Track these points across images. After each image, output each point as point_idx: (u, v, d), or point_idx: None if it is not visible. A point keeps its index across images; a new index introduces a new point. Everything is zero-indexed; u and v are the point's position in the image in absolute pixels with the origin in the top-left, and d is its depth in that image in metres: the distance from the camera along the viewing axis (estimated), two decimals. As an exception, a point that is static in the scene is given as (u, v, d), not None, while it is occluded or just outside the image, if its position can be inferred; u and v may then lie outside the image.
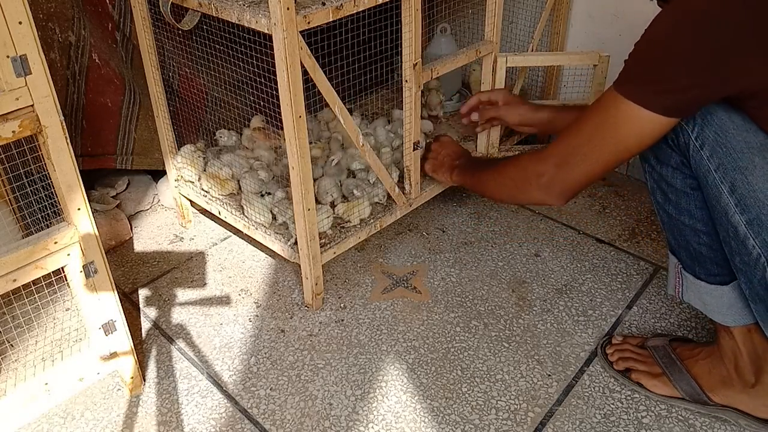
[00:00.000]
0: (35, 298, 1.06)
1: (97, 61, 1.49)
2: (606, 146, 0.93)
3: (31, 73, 0.85)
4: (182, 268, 1.50)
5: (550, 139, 1.90)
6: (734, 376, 1.06)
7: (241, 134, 1.58)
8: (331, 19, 1.10)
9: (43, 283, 1.00)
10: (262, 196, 1.35)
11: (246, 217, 1.38)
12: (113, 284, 1.04)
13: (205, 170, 1.46)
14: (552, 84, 1.79)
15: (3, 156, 0.96)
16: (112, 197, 1.62)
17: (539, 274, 1.43)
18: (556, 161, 1.00)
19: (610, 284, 1.39)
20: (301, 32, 1.05)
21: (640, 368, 1.15)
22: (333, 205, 1.36)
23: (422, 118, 1.52)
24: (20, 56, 0.83)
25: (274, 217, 1.35)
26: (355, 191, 1.37)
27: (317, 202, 1.31)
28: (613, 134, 0.92)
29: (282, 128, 1.14)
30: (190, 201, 1.57)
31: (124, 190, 1.67)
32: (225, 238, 1.59)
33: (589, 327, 1.29)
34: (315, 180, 1.35)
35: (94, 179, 1.65)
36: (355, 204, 1.35)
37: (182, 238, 1.60)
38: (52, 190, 0.96)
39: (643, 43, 0.87)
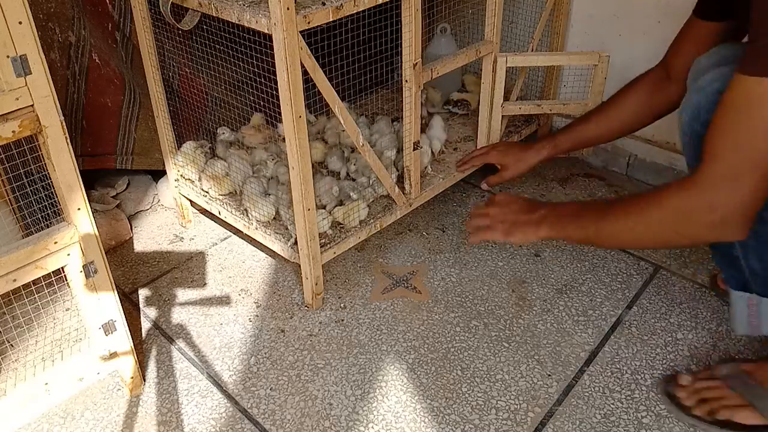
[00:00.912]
0: (35, 298, 1.06)
1: (97, 61, 1.49)
2: None
3: (31, 73, 0.85)
4: (182, 268, 1.50)
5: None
6: None
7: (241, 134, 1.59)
8: (331, 19, 1.10)
9: (43, 283, 1.00)
10: (267, 195, 1.35)
11: (246, 216, 1.38)
12: (113, 284, 1.04)
13: (204, 170, 1.46)
14: (552, 84, 1.79)
15: (3, 156, 0.96)
16: (112, 197, 1.62)
17: (539, 274, 1.43)
18: (727, 186, 0.81)
19: (610, 284, 1.39)
20: (301, 32, 1.05)
21: (725, 404, 1.05)
22: (329, 212, 1.36)
23: (423, 117, 1.52)
24: (20, 56, 0.83)
25: (278, 213, 1.35)
26: (351, 194, 1.37)
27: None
28: None
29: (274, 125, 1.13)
30: (190, 201, 1.57)
31: (124, 190, 1.67)
32: (225, 238, 1.59)
33: (589, 327, 1.29)
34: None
35: (94, 179, 1.65)
36: (353, 207, 1.35)
37: (182, 238, 1.60)
38: (52, 190, 0.96)
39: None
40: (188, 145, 1.49)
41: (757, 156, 0.79)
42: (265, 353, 1.25)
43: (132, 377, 1.14)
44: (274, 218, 1.36)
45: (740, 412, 1.04)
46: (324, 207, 1.37)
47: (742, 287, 1.03)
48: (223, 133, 1.55)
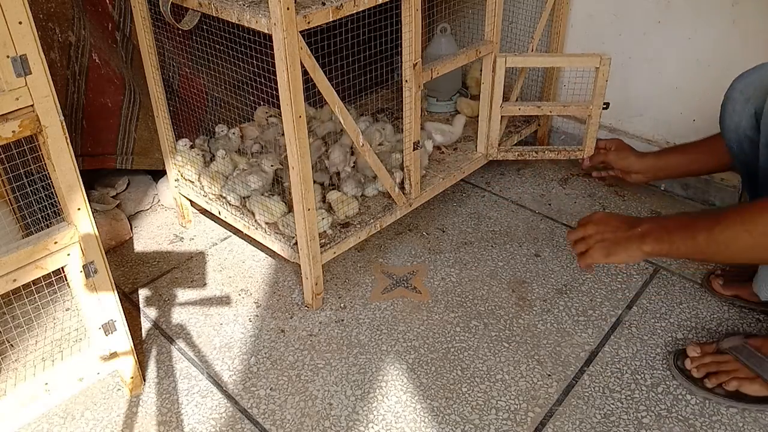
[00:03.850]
0: (35, 298, 1.06)
1: (97, 61, 1.49)
2: None
3: (31, 73, 0.85)
4: (182, 268, 1.50)
5: (549, 141, 1.91)
6: None
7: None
8: (331, 19, 1.10)
9: (43, 283, 1.00)
10: (270, 196, 1.35)
11: (246, 216, 1.38)
12: (113, 284, 1.04)
13: (203, 170, 1.46)
14: (552, 84, 1.79)
15: (3, 156, 0.96)
16: (112, 197, 1.62)
17: (539, 274, 1.43)
18: None
19: (610, 284, 1.39)
20: (301, 32, 1.05)
21: (734, 376, 1.09)
22: (326, 187, 1.38)
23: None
24: (20, 56, 0.83)
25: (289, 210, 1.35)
26: (344, 188, 1.39)
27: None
28: None
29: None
30: (190, 201, 1.57)
31: (124, 190, 1.67)
32: (225, 238, 1.59)
33: (589, 327, 1.29)
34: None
35: (94, 179, 1.65)
36: (346, 199, 1.36)
37: (182, 238, 1.60)
38: (52, 190, 0.96)
39: None
40: (181, 143, 1.49)
41: None
42: (265, 353, 1.25)
43: (132, 377, 1.14)
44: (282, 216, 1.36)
45: (749, 384, 1.08)
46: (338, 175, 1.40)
47: None
48: (222, 131, 1.55)
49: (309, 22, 1.06)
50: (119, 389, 1.18)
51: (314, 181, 1.44)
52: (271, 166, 1.39)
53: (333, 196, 1.36)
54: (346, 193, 1.39)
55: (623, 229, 1.02)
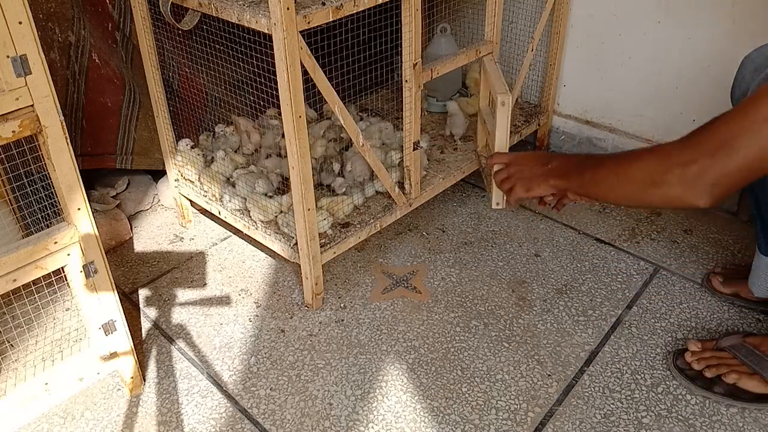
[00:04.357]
0: (35, 298, 1.06)
1: (97, 61, 1.49)
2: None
3: (31, 73, 0.85)
4: (182, 268, 1.50)
5: (549, 141, 1.91)
6: None
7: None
8: (331, 19, 1.10)
9: (43, 283, 1.00)
10: (271, 197, 1.35)
11: (246, 216, 1.38)
12: (113, 284, 1.04)
13: (204, 170, 1.46)
14: (552, 84, 1.79)
15: (3, 156, 0.96)
16: (112, 197, 1.62)
17: (539, 274, 1.43)
18: (710, 148, 0.84)
19: (610, 284, 1.39)
20: (301, 32, 1.05)
21: (734, 369, 1.10)
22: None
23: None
24: (20, 56, 0.83)
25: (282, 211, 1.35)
26: (337, 188, 1.40)
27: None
28: None
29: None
30: (190, 201, 1.57)
31: (124, 190, 1.67)
32: (225, 238, 1.59)
33: (589, 327, 1.29)
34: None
35: (94, 179, 1.65)
36: (341, 200, 1.36)
37: (182, 238, 1.60)
38: (52, 190, 0.96)
39: None
40: (183, 143, 1.49)
41: (749, 151, 0.82)
42: (265, 353, 1.25)
43: (132, 377, 1.14)
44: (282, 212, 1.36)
45: (748, 379, 1.09)
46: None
47: None
48: (222, 131, 1.55)
49: (309, 22, 1.06)
50: (119, 389, 1.18)
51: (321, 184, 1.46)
52: (267, 195, 1.38)
53: (324, 203, 1.36)
54: (341, 193, 1.40)
55: (538, 166, 1.12)
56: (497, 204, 1.25)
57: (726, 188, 0.85)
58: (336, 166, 1.45)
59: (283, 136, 1.19)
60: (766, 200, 1.05)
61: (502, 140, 1.27)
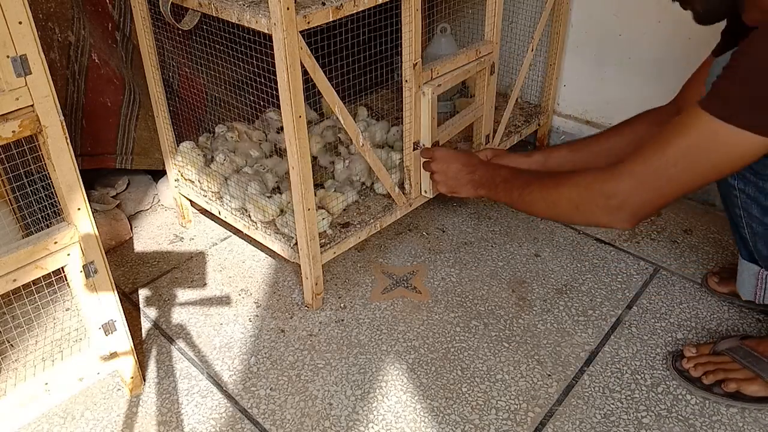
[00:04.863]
0: (35, 298, 1.06)
1: (96, 60, 1.49)
2: (697, 170, 0.86)
3: (31, 73, 0.85)
4: (182, 268, 1.50)
5: (549, 141, 1.91)
6: None
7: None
8: (331, 19, 1.10)
9: (43, 283, 1.00)
10: (270, 196, 1.35)
11: (246, 216, 1.38)
12: (113, 284, 1.04)
13: (203, 170, 1.46)
14: (552, 83, 1.79)
15: (3, 156, 0.96)
16: (112, 197, 1.62)
17: (539, 274, 1.43)
18: (634, 183, 0.90)
19: (610, 284, 1.40)
20: (301, 32, 1.05)
21: (732, 377, 1.09)
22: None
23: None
24: (20, 56, 0.83)
25: (282, 212, 1.35)
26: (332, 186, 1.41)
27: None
28: (707, 158, 0.84)
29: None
30: (190, 201, 1.57)
31: (124, 190, 1.67)
32: (225, 238, 1.59)
33: (589, 327, 1.29)
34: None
35: (94, 179, 1.65)
36: (335, 196, 1.37)
37: (182, 238, 1.60)
38: (52, 190, 0.96)
39: (743, 67, 0.81)
40: (185, 145, 1.49)
41: (674, 182, 0.88)
42: (265, 353, 1.25)
43: (132, 377, 1.14)
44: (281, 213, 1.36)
45: (749, 385, 1.08)
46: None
47: (752, 259, 1.10)
48: (222, 131, 1.55)
49: (309, 22, 1.06)
50: (119, 389, 1.18)
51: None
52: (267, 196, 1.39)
53: (318, 195, 1.36)
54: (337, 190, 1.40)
55: (463, 173, 1.24)
56: (425, 192, 1.41)
57: (648, 213, 0.93)
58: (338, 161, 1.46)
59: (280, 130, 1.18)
60: (736, 212, 1.06)
61: (426, 130, 1.36)
